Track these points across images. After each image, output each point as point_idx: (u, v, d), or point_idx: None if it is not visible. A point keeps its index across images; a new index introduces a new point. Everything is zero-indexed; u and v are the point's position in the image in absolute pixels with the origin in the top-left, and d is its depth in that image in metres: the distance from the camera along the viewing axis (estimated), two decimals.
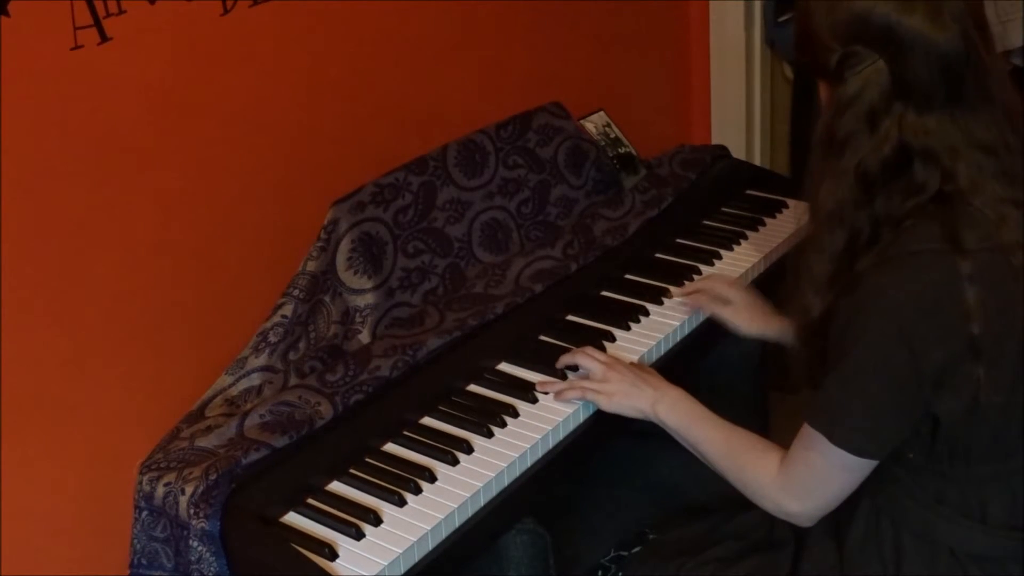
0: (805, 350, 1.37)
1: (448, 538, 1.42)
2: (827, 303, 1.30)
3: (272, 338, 1.67)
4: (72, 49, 1.43)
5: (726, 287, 1.78)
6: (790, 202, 2.23)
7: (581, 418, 1.61)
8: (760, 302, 1.75)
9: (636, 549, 1.63)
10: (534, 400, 1.62)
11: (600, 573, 1.66)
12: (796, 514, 1.36)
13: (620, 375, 1.57)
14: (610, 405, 1.56)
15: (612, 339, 1.77)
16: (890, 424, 1.27)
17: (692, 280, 1.94)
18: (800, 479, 1.34)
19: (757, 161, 2.83)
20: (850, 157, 1.25)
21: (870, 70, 1.23)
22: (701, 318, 1.86)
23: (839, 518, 1.40)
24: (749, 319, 1.73)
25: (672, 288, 1.88)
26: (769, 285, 2.01)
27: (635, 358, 1.72)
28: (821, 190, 1.29)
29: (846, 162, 1.26)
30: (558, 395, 1.61)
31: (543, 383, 1.65)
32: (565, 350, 1.75)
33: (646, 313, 1.84)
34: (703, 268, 1.98)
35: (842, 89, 1.25)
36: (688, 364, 1.85)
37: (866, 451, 1.27)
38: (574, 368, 1.66)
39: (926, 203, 1.24)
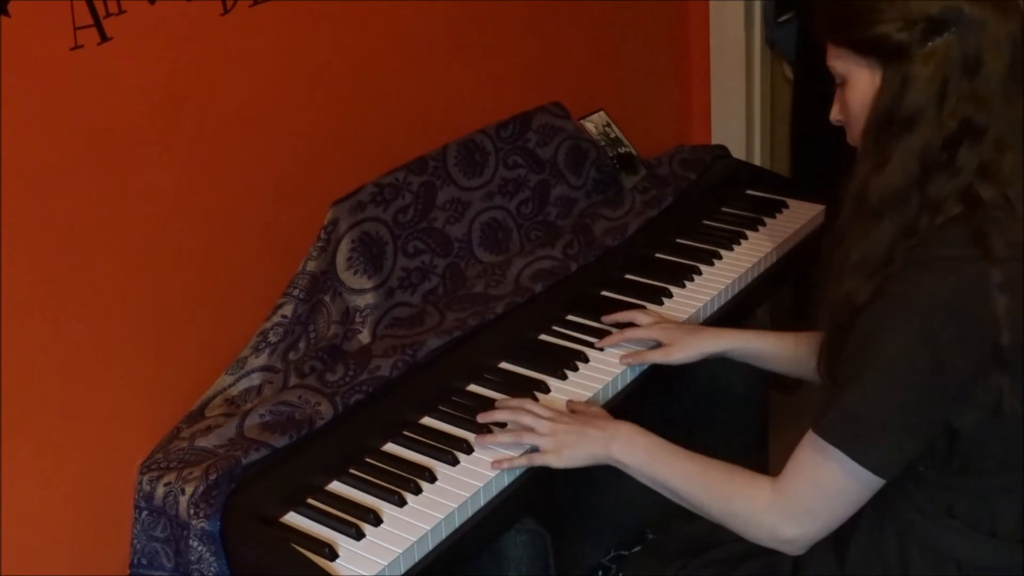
0: (832, 349, 1.32)
1: (448, 538, 1.42)
2: (872, 291, 1.25)
3: (272, 338, 1.67)
4: (72, 49, 1.43)
5: (649, 331, 1.71)
6: (790, 202, 2.23)
7: None
8: (687, 326, 1.70)
9: (636, 549, 1.63)
10: (535, 400, 1.62)
11: (600, 573, 1.66)
12: (792, 539, 1.30)
13: (565, 425, 1.47)
14: (561, 461, 1.45)
15: None
16: (910, 439, 1.23)
17: (692, 280, 1.95)
18: (803, 499, 1.28)
19: (757, 161, 2.83)
20: (919, 134, 1.23)
21: (941, 45, 1.21)
22: (701, 316, 1.87)
23: (840, 528, 1.33)
24: (683, 348, 1.66)
25: (596, 341, 1.76)
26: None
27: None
28: (885, 171, 1.25)
29: (915, 139, 1.23)
30: (497, 464, 1.48)
31: (480, 438, 1.53)
32: (565, 350, 1.75)
33: None
34: (703, 268, 1.98)
35: (908, 66, 1.23)
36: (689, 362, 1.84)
37: (884, 468, 1.23)
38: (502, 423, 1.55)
39: (958, 198, 1.23)
